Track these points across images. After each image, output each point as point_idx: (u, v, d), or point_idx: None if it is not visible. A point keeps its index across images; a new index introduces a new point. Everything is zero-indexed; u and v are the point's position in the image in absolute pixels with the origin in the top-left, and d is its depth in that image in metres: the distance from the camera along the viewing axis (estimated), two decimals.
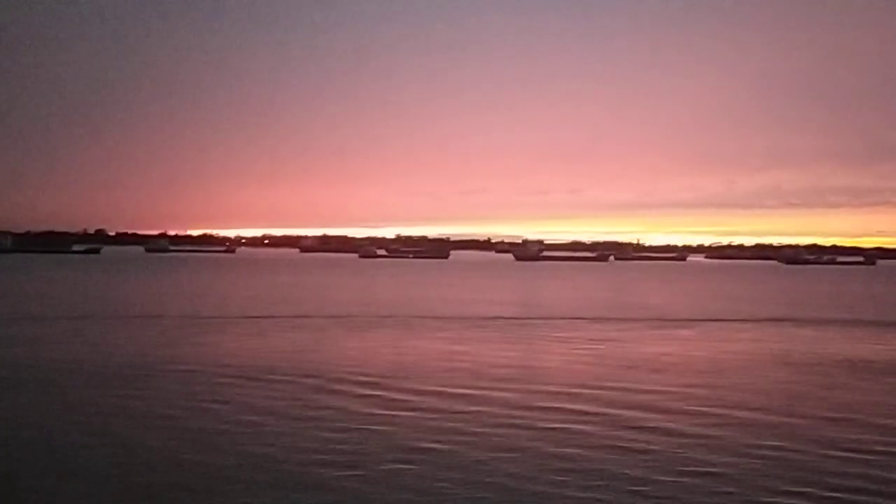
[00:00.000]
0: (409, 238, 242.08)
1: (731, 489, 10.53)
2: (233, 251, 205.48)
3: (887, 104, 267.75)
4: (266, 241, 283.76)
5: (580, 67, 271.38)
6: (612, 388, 17.75)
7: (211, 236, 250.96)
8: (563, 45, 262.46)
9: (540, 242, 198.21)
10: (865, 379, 19.91)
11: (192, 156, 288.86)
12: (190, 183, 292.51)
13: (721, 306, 45.75)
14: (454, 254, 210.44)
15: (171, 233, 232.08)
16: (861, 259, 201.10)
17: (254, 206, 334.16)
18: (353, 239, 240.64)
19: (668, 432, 13.56)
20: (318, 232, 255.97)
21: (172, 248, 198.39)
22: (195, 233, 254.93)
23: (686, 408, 15.72)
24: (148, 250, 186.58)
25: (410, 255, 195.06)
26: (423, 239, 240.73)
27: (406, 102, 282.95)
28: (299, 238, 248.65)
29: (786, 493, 10.44)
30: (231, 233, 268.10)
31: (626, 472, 11.19)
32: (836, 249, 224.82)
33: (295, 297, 47.51)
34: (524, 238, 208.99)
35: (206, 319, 31.95)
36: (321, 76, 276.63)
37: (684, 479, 10.89)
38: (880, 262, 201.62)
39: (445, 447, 12.36)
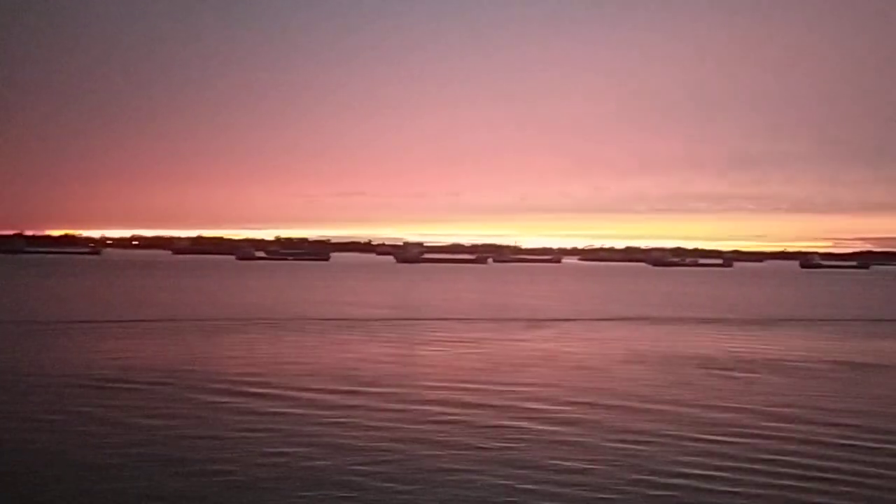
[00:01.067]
0: (288, 240, 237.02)
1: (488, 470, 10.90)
2: (97, 252, 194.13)
3: (744, 115, 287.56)
4: (135, 243, 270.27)
5: (458, 71, 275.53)
6: (455, 388, 18.03)
7: (73, 237, 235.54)
8: (440, 48, 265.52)
9: (420, 245, 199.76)
10: (714, 376, 21.14)
11: (54, 153, 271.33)
12: (49, 181, 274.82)
13: (590, 307, 47.57)
14: (335, 256, 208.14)
15: (28, 233, 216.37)
16: (720, 261, 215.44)
17: (122, 206, 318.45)
18: (230, 240, 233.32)
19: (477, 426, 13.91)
20: (193, 233, 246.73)
21: (29, 249, 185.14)
22: (55, 233, 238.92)
23: (520, 404, 16.21)
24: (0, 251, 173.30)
25: (290, 258, 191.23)
26: (304, 241, 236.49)
27: (283, 103, 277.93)
28: (172, 239, 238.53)
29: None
30: (96, 233, 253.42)
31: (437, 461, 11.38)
32: (698, 252, 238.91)
33: (156, 300, 45.42)
34: (405, 240, 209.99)
35: (49, 325, 29.93)
36: (196, 75, 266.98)
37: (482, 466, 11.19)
38: (737, 263, 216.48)
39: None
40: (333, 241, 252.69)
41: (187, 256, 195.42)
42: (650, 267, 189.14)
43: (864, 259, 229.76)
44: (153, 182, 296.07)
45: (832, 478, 11.31)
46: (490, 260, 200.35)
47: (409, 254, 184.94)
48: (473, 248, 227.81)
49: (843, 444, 13.31)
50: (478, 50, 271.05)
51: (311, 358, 22.66)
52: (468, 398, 16.84)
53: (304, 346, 25.38)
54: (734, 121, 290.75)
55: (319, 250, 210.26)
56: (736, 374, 21.26)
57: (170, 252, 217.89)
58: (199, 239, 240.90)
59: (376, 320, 35.15)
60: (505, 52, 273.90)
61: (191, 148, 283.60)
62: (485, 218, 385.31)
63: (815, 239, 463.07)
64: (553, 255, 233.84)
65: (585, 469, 11.55)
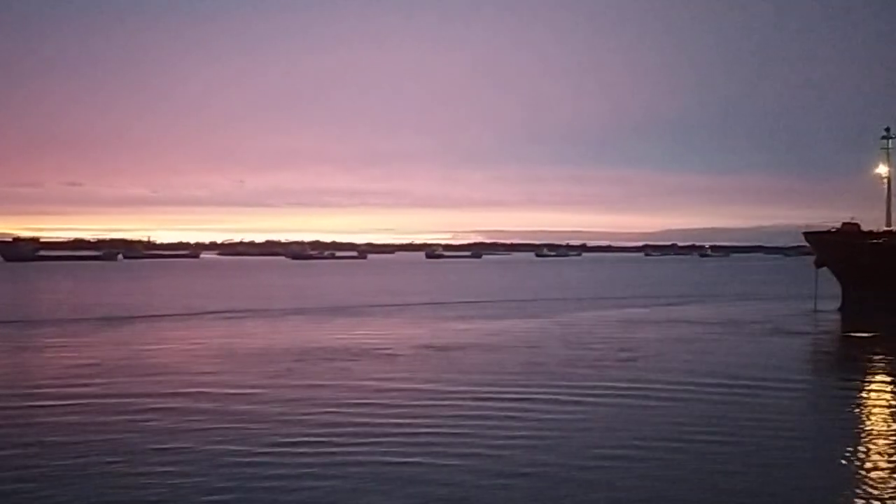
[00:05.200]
0: None
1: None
2: None
3: (375, 115, 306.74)
4: None
5: (79, 51, 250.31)
6: None
7: None
8: (56, 26, 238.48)
9: (35, 240, 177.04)
10: (314, 364, 22.62)
11: None
12: None
13: (202, 303, 46.87)
14: None
15: None
16: (356, 254, 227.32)
17: None
18: None
19: None
20: None
21: None
22: None
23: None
24: None
25: None
26: None
27: None
28: None
29: None
30: None
31: None
32: (335, 245, 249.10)
33: None
34: (15, 235, 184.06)
35: None
36: None
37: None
38: (371, 255, 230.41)
39: None
40: None
41: None
42: (289, 260, 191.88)
43: (476, 249, 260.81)
44: None
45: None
46: (120, 256, 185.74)
47: (20, 251, 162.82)
48: (100, 244, 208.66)
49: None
50: (103, 32, 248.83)
51: None
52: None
53: None
54: (366, 120, 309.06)
55: None
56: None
57: None
58: None
59: None
60: (132, 32, 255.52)
61: None
62: (112, 211, 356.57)
63: (438, 231, 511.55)
64: (190, 250, 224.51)
65: None
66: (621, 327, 33.67)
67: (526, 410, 16.39)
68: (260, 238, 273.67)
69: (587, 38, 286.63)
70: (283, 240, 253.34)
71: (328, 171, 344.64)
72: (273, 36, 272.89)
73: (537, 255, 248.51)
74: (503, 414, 16.00)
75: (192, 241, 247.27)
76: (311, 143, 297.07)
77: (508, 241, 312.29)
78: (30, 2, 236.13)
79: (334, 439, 13.72)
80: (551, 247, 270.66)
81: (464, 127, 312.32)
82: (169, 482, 11.20)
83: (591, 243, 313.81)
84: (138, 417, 15.50)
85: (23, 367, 22.78)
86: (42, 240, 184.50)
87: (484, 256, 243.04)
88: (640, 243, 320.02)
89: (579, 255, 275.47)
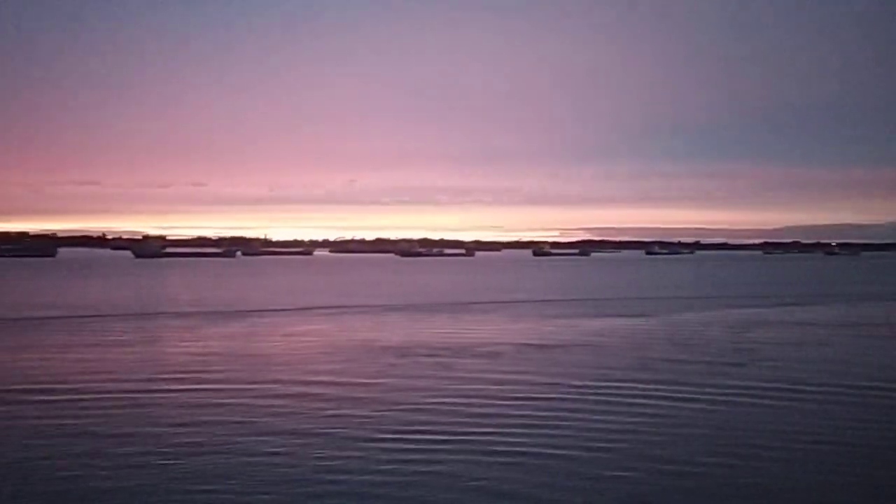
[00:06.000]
0: (5, 234, 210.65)
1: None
2: None
3: (484, 113, 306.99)
4: None
5: (202, 57, 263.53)
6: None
7: None
8: (181, 33, 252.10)
9: (162, 238, 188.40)
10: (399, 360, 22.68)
11: None
12: None
13: (308, 298, 48.25)
14: (63, 251, 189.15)
15: None
16: (463, 251, 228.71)
17: None
18: None
19: None
20: None
21: None
22: None
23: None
24: None
25: (7, 254, 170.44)
26: (24, 235, 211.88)
27: None
28: None
29: None
30: None
31: None
32: (443, 243, 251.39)
33: None
34: (145, 234, 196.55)
35: None
36: None
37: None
38: (478, 253, 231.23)
39: None
40: (60, 234, 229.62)
41: None
42: (398, 257, 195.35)
43: (584, 247, 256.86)
44: None
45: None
46: (239, 253, 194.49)
47: (149, 248, 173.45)
48: (221, 241, 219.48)
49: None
50: (226, 39, 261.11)
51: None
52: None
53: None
54: (475, 118, 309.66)
55: (42, 246, 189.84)
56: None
57: None
58: None
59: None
60: (252, 42, 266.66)
61: None
62: (232, 209, 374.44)
63: (545, 229, 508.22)
64: (304, 248, 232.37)
65: None
66: (737, 328, 31.97)
67: (644, 406, 16.04)
68: (370, 236, 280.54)
69: (704, 26, 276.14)
70: (392, 237, 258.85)
71: (437, 170, 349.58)
72: (383, 40, 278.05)
73: (647, 253, 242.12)
74: (616, 409, 15.62)
75: (306, 238, 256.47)
76: (420, 142, 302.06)
77: (617, 239, 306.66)
78: (171, 13, 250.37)
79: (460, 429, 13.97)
80: (662, 244, 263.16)
81: (574, 123, 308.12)
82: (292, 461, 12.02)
83: (705, 241, 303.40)
84: (263, 403, 16.41)
85: (157, 355, 24.15)
86: (168, 238, 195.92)
87: (592, 254, 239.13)
88: (760, 241, 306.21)
89: (692, 252, 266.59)
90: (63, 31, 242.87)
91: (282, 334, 29.60)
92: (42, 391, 17.50)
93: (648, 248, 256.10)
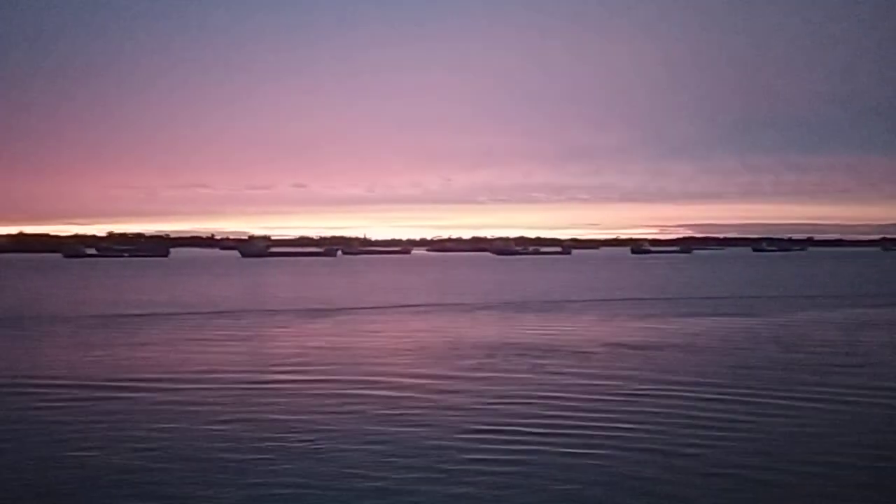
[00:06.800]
0: (122, 235, 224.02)
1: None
2: None
3: (579, 109, 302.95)
4: None
5: (301, 61, 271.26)
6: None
7: None
8: (283, 38, 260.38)
9: (266, 238, 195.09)
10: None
11: None
12: None
13: (401, 296, 48.70)
14: (175, 251, 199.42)
15: None
16: (559, 249, 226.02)
17: None
18: (57, 237, 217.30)
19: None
20: (13, 230, 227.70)
21: None
22: None
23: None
24: None
25: (125, 254, 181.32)
26: (139, 236, 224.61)
27: (108, 88, 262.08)
28: None
29: None
30: None
31: None
32: (539, 241, 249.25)
33: None
34: (250, 234, 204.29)
35: None
36: (15, 54, 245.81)
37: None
38: (575, 251, 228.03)
39: None
40: (173, 235, 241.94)
41: (9, 255, 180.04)
42: (494, 256, 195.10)
43: (685, 244, 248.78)
44: None
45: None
46: (339, 252, 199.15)
47: (255, 248, 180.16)
48: (321, 241, 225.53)
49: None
50: (322, 38, 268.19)
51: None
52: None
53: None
54: (570, 115, 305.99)
55: (156, 246, 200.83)
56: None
57: None
58: (21, 235, 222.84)
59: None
60: (349, 42, 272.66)
61: (7, 136, 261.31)
62: (332, 210, 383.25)
63: (644, 226, 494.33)
64: (402, 247, 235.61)
65: None
66: (848, 330, 30.10)
67: (744, 413, 15.29)
68: (467, 234, 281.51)
69: (809, 13, 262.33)
70: (488, 236, 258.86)
71: (533, 168, 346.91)
72: (477, 41, 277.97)
73: (754, 250, 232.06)
74: (714, 416, 15.00)
75: (404, 237, 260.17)
76: (515, 140, 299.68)
77: (722, 235, 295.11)
78: (279, 19, 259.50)
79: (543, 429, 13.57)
80: (771, 241, 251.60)
81: (674, 117, 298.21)
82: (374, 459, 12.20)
83: (818, 236, 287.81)
84: (373, 394, 17.35)
85: (259, 350, 25.45)
86: (273, 237, 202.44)
87: (694, 251, 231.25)
88: (877, 236, 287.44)
89: (804, 249, 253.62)
90: (180, 42, 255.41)
91: (379, 331, 30.24)
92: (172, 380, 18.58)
93: (756, 244, 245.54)
